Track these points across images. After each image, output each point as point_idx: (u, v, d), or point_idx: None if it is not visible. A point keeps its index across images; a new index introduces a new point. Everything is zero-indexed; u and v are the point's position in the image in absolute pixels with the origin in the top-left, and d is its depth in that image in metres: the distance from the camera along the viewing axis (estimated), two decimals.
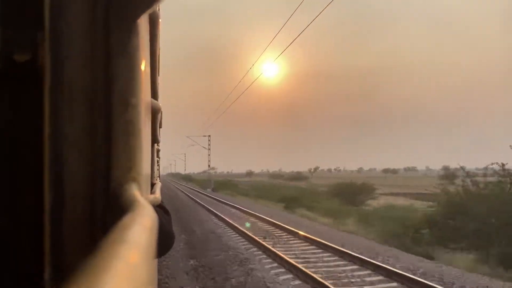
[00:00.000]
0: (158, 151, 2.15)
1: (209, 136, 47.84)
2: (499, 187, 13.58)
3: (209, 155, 46.86)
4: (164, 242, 0.86)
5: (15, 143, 0.49)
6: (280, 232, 13.29)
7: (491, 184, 13.85)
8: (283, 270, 8.22)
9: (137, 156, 0.48)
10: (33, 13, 0.48)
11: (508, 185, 13.43)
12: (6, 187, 0.48)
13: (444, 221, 13.54)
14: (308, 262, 8.90)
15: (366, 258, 8.63)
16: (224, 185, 48.53)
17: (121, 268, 0.24)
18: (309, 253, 10.00)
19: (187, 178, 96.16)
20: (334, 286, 6.81)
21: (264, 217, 16.26)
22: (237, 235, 12.74)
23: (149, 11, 0.51)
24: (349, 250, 9.47)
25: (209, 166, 48.81)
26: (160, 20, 0.79)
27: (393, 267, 7.97)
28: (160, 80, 1.29)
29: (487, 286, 7.55)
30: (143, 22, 0.52)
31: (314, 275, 7.28)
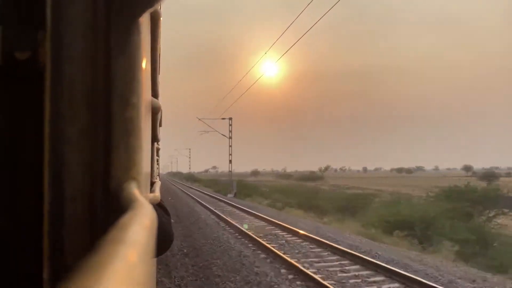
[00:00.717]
0: (158, 149, 2.15)
1: (231, 119, 34.62)
2: None
3: (230, 146, 33.62)
4: (163, 241, 0.86)
5: (14, 142, 0.49)
6: None
7: None
8: None
9: (137, 155, 0.48)
10: (34, 11, 0.48)
11: None
12: (5, 186, 0.48)
13: None
14: None
15: None
16: (244, 187, 36.90)
17: (120, 267, 0.24)
18: None
19: (191, 177, 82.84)
20: None
21: None
22: None
23: (151, 9, 0.51)
24: None
25: (230, 161, 34.64)
26: (161, 18, 0.79)
27: None
28: (160, 78, 1.29)
29: None
30: (144, 21, 0.52)
31: None
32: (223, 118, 35.39)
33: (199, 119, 35.27)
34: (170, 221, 0.98)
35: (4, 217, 0.48)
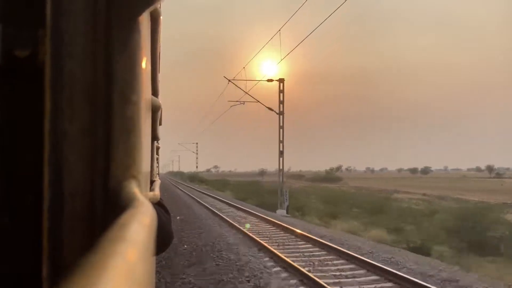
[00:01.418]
0: (158, 148, 2.15)
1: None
2: None
3: (281, 142, 20.99)
4: (162, 240, 0.86)
5: (14, 139, 0.49)
6: None
7: None
8: None
9: (137, 154, 0.48)
10: (35, 9, 0.48)
11: None
12: (4, 184, 0.48)
13: None
14: None
15: None
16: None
17: (120, 265, 0.24)
18: None
19: (194, 177, 68.08)
20: None
21: None
22: None
23: (151, 8, 0.51)
24: None
25: (281, 153, 21.31)
26: (161, 17, 0.79)
27: None
28: (160, 77, 1.29)
29: None
30: (144, 20, 0.52)
31: None
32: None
33: (230, 81, 22.75)
34: (170, 220, 0.98)
35: (4, 214, 0.48)
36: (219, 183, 52.83)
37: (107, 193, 0.46)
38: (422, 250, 12.34)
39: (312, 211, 21.74)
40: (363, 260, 8.38)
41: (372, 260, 8.34)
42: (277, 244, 10.66)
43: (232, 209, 20.49)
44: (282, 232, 12.69)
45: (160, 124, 1.39)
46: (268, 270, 7.84)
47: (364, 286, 7.00)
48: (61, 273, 0.43)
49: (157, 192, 0.98)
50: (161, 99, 1.14)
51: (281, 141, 21.39)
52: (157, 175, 2.19)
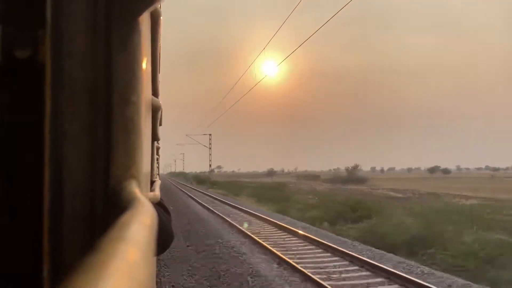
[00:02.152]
0: (158, 148, 2.15)
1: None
2: None
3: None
4: (163, 240, 0.86)
5: (15, 139, 0.49)
6: None
7: None
8: None
9: (137, 154, 0.48)
10: (35, 10, 0.48)
11: None
12: (4, 184, 0.48)
13: None
14: None
15: None
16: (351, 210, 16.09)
17: (120, 265, 0.24)
18: None
19: (200, 179, 59.13)
20: None
21: None
22: None
23: (151, 8, 0.51)
24: None
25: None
26: (161, 17, 0.79)
27: None
28: (160, 77, 1.29)
29: None
30: (144, 20, 0.52)
31: None
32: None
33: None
34: (170, 220, 0.98)
35: (4, 214, 0.48)
36: (231, 185, 43.95)
37: (108, 193, 0.45)
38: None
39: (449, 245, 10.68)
40: None
41: None
42: None
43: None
44: None
45: (160, 124, 1.39)
46: None
47: None
48: (61, 273, 0.43)
49: (157, 192, 0.98)
50: (161, 99, 1.14)
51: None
52: (158, 176, 2.19)
